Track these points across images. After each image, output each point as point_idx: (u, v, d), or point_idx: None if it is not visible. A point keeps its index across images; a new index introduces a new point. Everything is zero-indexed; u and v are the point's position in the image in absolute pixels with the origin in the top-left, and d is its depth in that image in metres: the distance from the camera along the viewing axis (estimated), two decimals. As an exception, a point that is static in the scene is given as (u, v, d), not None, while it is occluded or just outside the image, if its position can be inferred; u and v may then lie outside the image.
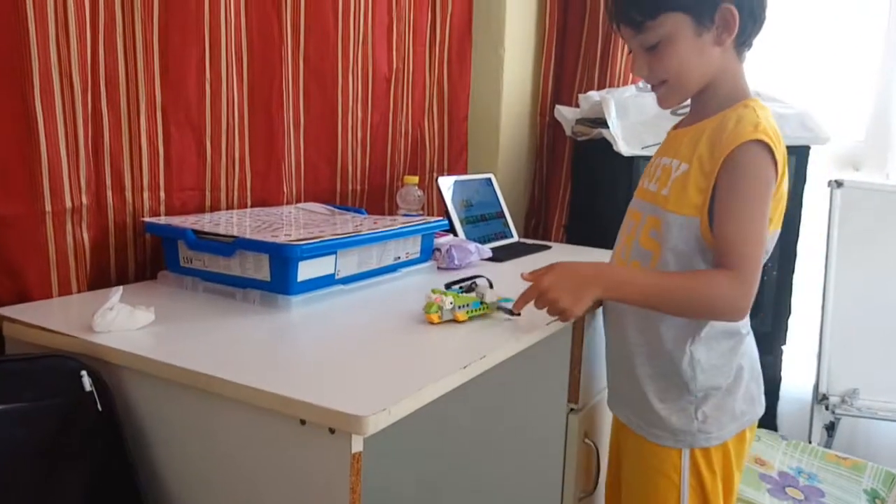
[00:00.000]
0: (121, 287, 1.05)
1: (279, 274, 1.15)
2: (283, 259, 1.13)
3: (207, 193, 1.45)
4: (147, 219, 1.30)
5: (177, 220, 1.30)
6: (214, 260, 1.22)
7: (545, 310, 1.06)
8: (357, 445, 0.79)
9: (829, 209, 2.14)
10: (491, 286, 1.20)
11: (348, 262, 1.27)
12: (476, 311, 1.13)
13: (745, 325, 1.15)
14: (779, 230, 1.11)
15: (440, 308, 1.09)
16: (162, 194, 1.36)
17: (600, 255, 1.84)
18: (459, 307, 1.11)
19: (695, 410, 1.11)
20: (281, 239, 1.16)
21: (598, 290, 1.05)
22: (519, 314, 1.11)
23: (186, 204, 1.41)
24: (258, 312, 1.14)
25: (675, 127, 1.23)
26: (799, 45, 2.28)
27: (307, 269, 1.17)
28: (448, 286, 1.20)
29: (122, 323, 1.01)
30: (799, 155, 2.05)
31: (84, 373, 0.91)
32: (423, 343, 1.04)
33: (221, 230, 1.24)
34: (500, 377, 1.08)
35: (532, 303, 1.07)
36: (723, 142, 1.03)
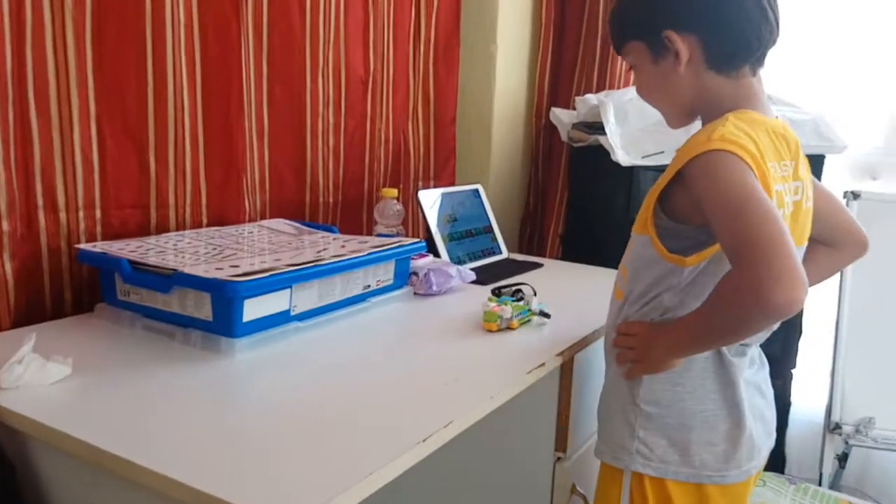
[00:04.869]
0: (33, 335, 0.91)
1: (221, 314, 1.01)
2: (224, 298, 0.99)
3: (153, 211, 1.29)
4: (81, 245, 1.15)
5: (116, 246, 1.16)
6: (153, 295, 1.07)
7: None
8: (285, 552, 0.65)
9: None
10: (535, 294, 1.32)
11: (306, 296, 1.12)
12: (524, 318, 1.21)
13: (717, 368, 1.00)
14: None
15: (500, 317, 1.17)
16: (98, 213, 1.22)
17: (594, 273, 1.70)
18: (514, 316, 1.18)
19: (635, 426, 1.01)
20: (226, 272, 1.02)
21: (661, 349, 0.98)
22: (549, 316, 1.21)
23: (127, 223, 1.26)
24: (198, 358, 0.99)
25: None
26: (813, 46, 2.12)
27: (255, 308, 1.03)
28: (495, 293, 1.33)
29: (33, 378, 0.88)
30: (813, 164, 1.86)
31: (-26, 444, 0.77)
32: (380, 401, 0.89)
33: (167, 258, 1.10)
34: (480, 425, 0.94)
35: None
36: (676, 157, 0.93)
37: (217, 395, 0.89)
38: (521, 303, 1.24)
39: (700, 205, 0.89)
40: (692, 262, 0.94)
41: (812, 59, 2.10)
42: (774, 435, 1.08)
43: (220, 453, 0.73)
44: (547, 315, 1.22)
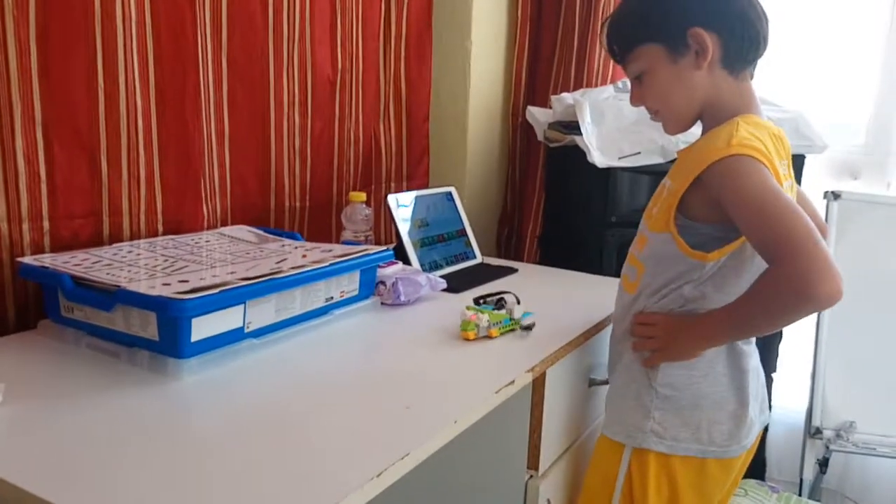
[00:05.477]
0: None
1: (168, 334, 0.94)
2: (170, 317, 0.92)
3: (105, 219, 1.23)
4: (23, 259, 1.08)
5: (61, 259, 1.09)
6: (97, 312, 1.01)
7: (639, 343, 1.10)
8: None
9: (826, 223, 1.94)
10: (518, 302, 1.28)
11: (262, 312, 1.06)
12: (506, 327, 1.17)
13: (717, 358, 1.08)
14: None
15: (477, 326, 1.13)
16: (45, 224, 1.15)
17: (570, 278, 1.65)
18: (493, 324, 1.15)
19: (650, 408, 1.08)
20: (172, 288, 0.95)
21: (687, 340, 1.05)
22: (530, 328, 1.18)
23: (78, 234, 1.19)
24: (143, 381, 0.93)
25: None
26: (793, 44, 2.07)
27: (205, 326, 0.97)
28: (477, 301, 1.30)
29: (-42, 406, 0.81)
30: (794, 164, 1.84)
31: None
32: (334, 429, 0.83)
33: (114, 272, 1.03)
34: (443, 447, 0.89)
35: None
36: (693, 160, 1.00)
37: (161, 422, 0.83)
38: (503, 311, 1.21)
39: (722, 205, 0.95)
40: (714, 257, 1.01)
41: (792, 57, 2.06)
42: (768, 411, 1.18)
43: (159, 494, 0.68)
44: (529, 328, 1.19)
